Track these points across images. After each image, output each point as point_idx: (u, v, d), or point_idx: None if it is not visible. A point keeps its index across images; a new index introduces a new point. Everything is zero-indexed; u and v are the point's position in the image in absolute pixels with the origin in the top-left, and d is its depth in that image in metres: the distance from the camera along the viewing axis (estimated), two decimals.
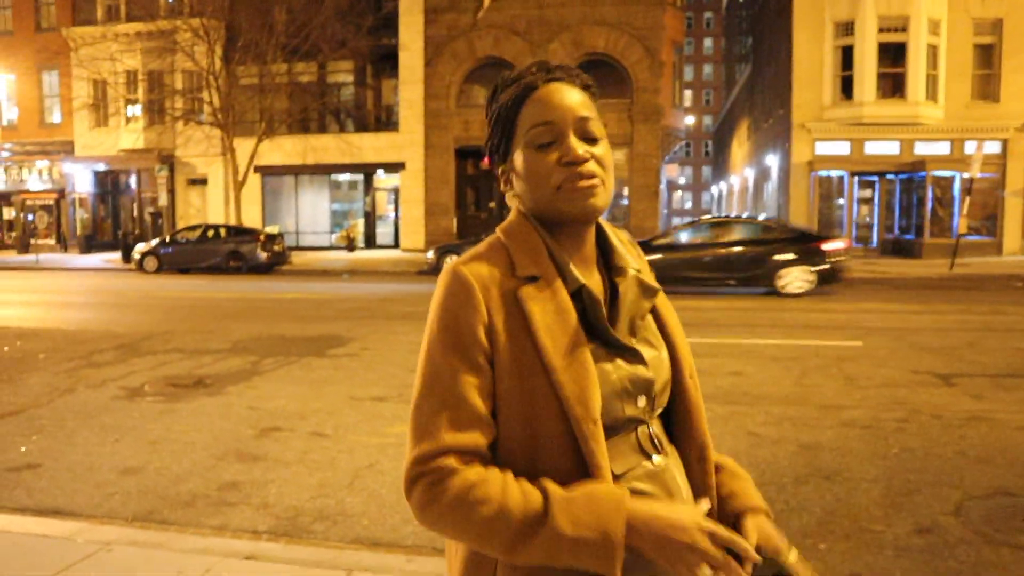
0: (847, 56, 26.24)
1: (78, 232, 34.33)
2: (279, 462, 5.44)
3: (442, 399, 1.24)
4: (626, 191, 28.43)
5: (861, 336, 10.41)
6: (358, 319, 12.67)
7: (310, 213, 32.81)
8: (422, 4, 29.69)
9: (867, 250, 27.45)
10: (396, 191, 31.57)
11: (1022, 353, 9.17)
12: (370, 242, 32.17)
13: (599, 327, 1.30)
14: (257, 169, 30.18)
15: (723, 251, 16.30)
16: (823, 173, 26.97)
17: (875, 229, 27.91)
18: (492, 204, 30.47)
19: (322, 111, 31.66)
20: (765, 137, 34.31)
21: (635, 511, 1.18)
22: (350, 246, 30.72)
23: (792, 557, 1.26)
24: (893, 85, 25.74)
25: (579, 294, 1.31)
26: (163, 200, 31.06)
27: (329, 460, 5.47)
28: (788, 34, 27.74)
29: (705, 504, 1.25)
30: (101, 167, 33.65)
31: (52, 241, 34.87)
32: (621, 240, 1.44)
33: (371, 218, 32.39)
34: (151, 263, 24.03)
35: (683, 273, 15.95)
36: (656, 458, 1.32)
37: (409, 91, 30.18)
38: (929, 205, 25.46)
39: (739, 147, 45.95)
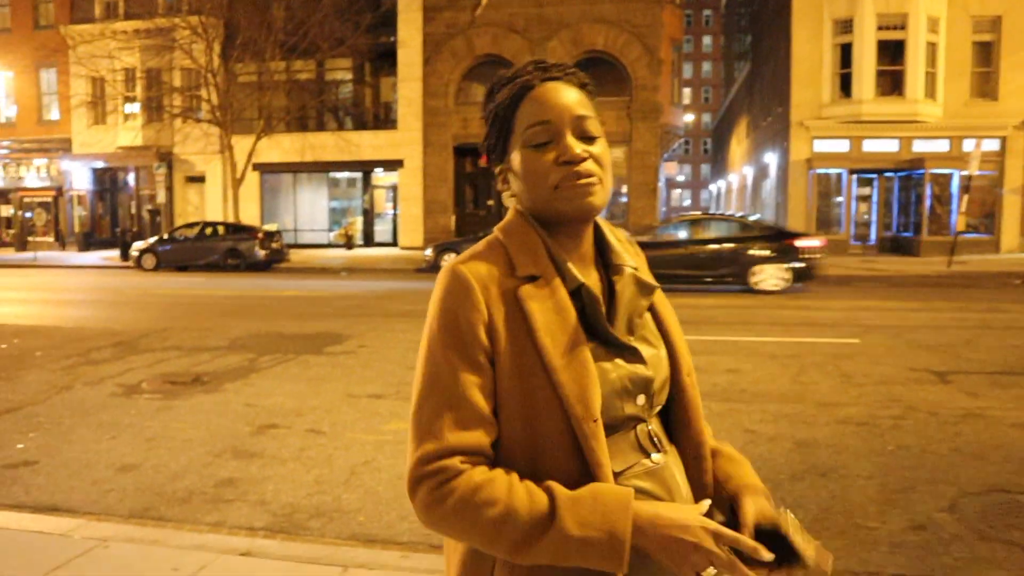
0: (846, 54, 26.22)
1: (76, 230, 34.30)
2: (276, 459, 5.45)
3: (444, 398, 1.24)
4: (625, 189, 28.42)
5: (859, 334, 10.42)
6: (356, 317, 12.68)
7: (308, 211, 32.79)
8: (421, 2, 29.65)
9: (865, 248, 27.46)
10: (394, 189, 31.55)
11: (1018, 351, 9.19)
12: (368, 240, 32.15)
13: (598, 326, 1.30)
14: (255, 167, 30.16)
15: (697, 249, 16.28)
16: (822, 171, 26.95)
17: (873, 227, 27.90)
18: (491, 202, 30.47)
19: (320, 109, 31.64)
20: (764, 135, 34.31)
21: (640, 511, 1.18)
22: (348, 244, 30.71)
23: (792, 529, 1.23)
24: (892, 83, 25.73)
25: (578, 293, 1.31)
26: (161, 198, 31.07)
27: (326, 457, 5.48)
28: (787, 32, 27.73)
29: (705, 504, 1.25)
30: (99, 164, 33.62)
31: (50, 239, 34.84)
32: (618, 238, 1.44)
33: (369, 216, 32.37)
34: (149, 261, 24.02)
35: (658, 270, 15.95)
36: (655, 456, 1.32)
37: (407, 89, 30.16)
38: (927, 203, 25.45)
39: (738, 145, 45.95)
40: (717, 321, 11.68)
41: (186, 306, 14.57)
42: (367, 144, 30.79)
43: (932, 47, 25.59)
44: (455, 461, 1.20)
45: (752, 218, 19.72)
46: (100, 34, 30.97)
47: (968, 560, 3.82)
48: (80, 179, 34.31)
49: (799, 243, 16.14)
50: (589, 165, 1.29)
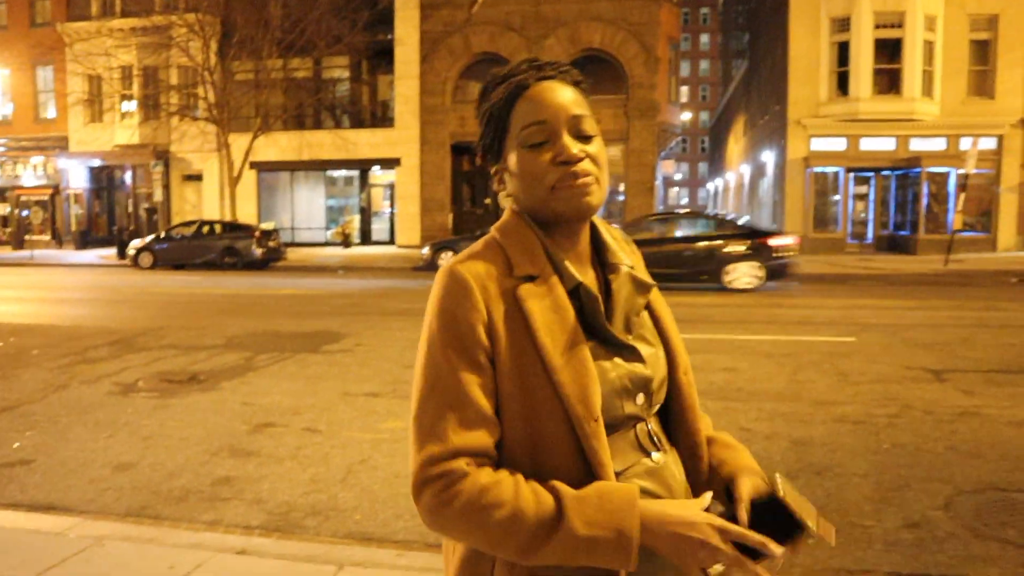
0: (843, 52, 26.24)
1: (73, 228, 34.28)
2: (272, 458, 5.46)
3: (446, 399, 1.23)
4: (622, 187, 28.43)
5: (855, 332, 10.43)
6: (353, 315, 12.68)
7: (305, 209, 32.77)
8: (418, 0, 29.64)
9: (862, 246, 27.50)
10: (392, 187, 31.54)
11: (1014, 349, 9.20)
12: (365, 238, 32.14)
13: (597, 325, 1.30)
14: (252, 165, 30.14)
15: (670, 247, 16.27)
16: (819, 169, 26.98)
17: (870, 225, 27.95)
18: (488, 200, 30.48)
19: (317, 107, 31.62)
20: (761, 133, 34.33)
21: (647, 509, 1.18)
22: (345, 242, 30.70)
23: (790, 499, 1.20)
24: (889, 81, 25.76)
25: (576, 292, 1.30)
26: (158, 196, 31.04)
27: (322, 456, 5.48)
28: (784, 30, 27.74)
29: (707, 497, 1.25)
30: (96, 163, 33.57)
31: (47, 237, 34.80)
32: (614, 237, 1.43)
33: (366, 214, 32.36)
34: (146, 259, 24.01)
35: None
36: (655, 455, 1.32)
37: (405, 87, 30.14)
38: (924, 201, 25.49)
39: (735, 143, 45.98)
40: (713, 320, 11.69)
41: (183, 304, 14.56)
42: (364, 142, 30.78)
43: (929, 45, 25.62)
44: (460, 463, 1.20)
45: (730, 217, 19.74)
46: (97, 32, 30.92)
47: (962, 558, 3.83)
48: (77, 177, 34.27)
49: (772, 241, 16.17)
50: (586, 165, 1.29)
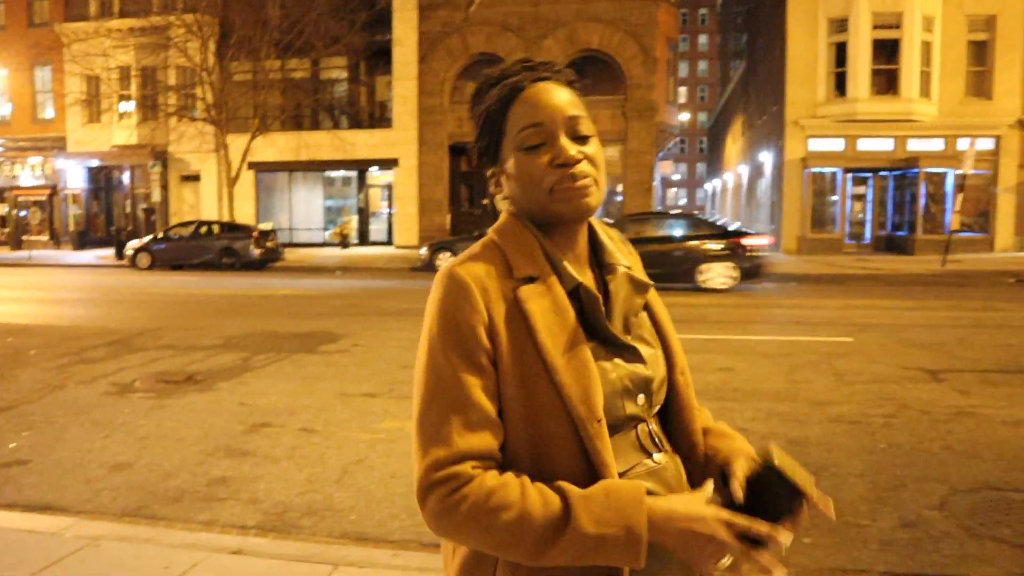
0: (841, 53, 26.26)
1: (71, 228, 34.26)
2: (268, 458, 5.46)
3: (449, 402, 1.21)
4: (620, 188, 28.44)
5: (852, 332, 10.44)
6: (350, 315, 12.68)
7: (304, 210, 32.76)
8: (416, 0, 29.64)
9: (860, 246, 27.53)
10: (390, 187, 31.54)
11: (1011, 349, 9.22)
12: (364, 239, 32.15)
13: (598, 325, 1.29)
14: (250, 165, 30.12)
15: (645, 247, 16.26)
16: (817, 170, 26.99)
17: (868, 225, 27.97)
18: (486, 201, 30.47)
19: (316, 107, 31.63)
20: (759, 133, 34.35)
21: (654, 506, 1.18)
22: (343, 243, 30.70)
23: (785, 466, 1.18)
24: (887, 82, 25.78)
25: (576, 293, 1.30)
26: (156, 196, 31.03)
27: (318, 456, 5.48)
28: (782, 30, 27.75)
29: (709, 486, 1.24)
30: (94, 163, 33.57)
31: (45, 237, 34.78)
32: (611, 237, 1.43)
33: (365, 215, 32.36)
34: (144, 259, 24.00)
35: None
36: (657, 456, 1.32)
37: (403, 87, 30.15)
38: (922, 202, 25.51)
39: (733, 143, 46.00)
40: (710, 320, 11.70)
41: (180, 305, 14.56)
42: (362, 143, 30.77)
43: (927, 46, 25.65)
44: (466, 467, 1.18)
45: (704, 217, 19.77)
46: (95, 32, 30.89)
47: (957, 557, 3.83)
48: (75, 178, 34.25)
49: (746, 241, 16.25)
50: (584, 166, 1.29)
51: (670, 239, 16.35)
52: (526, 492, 1.17)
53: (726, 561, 1.16)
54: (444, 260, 20.18)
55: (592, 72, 28.35)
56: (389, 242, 31.60)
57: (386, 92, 31.40)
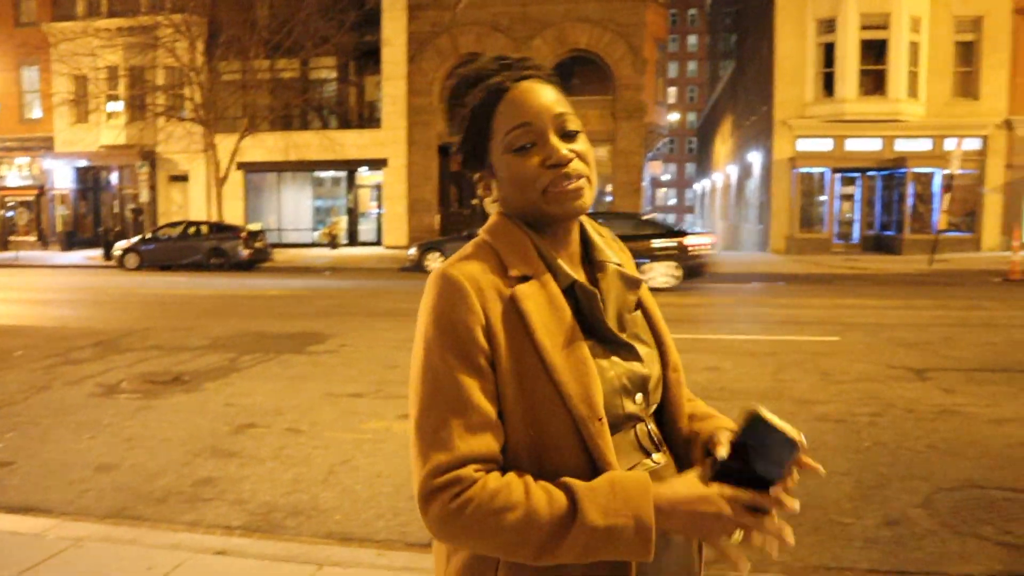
0: (829, 53, 26.37)
1: (58, 229, 34.08)
2: (254, 458, 5.44)
3: (449, 406, 1.19)
4: (609, 188, 28.47)
5: (839, 331, 10.48)
6: (338, 316, 12.66)
7: (292, 210, 32.69)
8: (405, 0, 29.61)
9: (848, 246, 27.64)
10: (379, 188, 31.50)
11: (996, 348, 9.27)
12: (353, 239, 32.08)
13: (595, 322, 1.28)
14: (239, 166, 30.03)
15: None
16: (805, 170, 27.10)
17: (856, 225, 28.09)
18: (475, 201, 30.44)
19: (304, 108, 31.54)
20: (748, 134, 34.44)
21: (658, 493, 1.16)
22: (333, 243, 30.64)
23: (770, 416, 1.16)
24: (875, 82, 25.89)
25: (571, 290, 1.28)
26: (144, 197, 30.90)
27: (304, 456, 5.47)
28: (770, 31, 27.85)
29: (706, 464, 1.22)
30: (82, 163, 33.40)
31: (32, 238, 34.59)
32: (601, 235, 1.42)
33: (354, 215, 32.31)
34: (132, 260, 23.90)
35: None
36: (656, 456, 1.31)
37: (392, 87, 30.11)
38: (910, 201, 25.64)
39: (722, 144, 46.11)
40: (698, 319, 11.73)
41: (168, 305, 14.51)
42: (351, 143, 30.72)
43: (914, 47, 25.77)
44: (468, 470, 1.16)
45: (653, 218, 19.89)
46: (82, 32, 30.70)
47: (940, 555, 3.85)
48: (62, 178, 34.08)
49: (689, 241, 16.55)
50: (577, 165, 1.27)
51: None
52: (530, 491, 1.15)
53: (738, 535, 1.15)
54: (433, 260, 20.19)
55: (581, 72, 28.41)
56: (378, 242, 31.55)
57: (375, 92, 31.35)
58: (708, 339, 9.94)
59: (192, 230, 24.44)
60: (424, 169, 30.10)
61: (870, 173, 27.21)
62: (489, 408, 1.20)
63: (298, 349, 9.57)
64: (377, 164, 30.75)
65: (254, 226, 28.21)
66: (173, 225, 25.36)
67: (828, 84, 26.45)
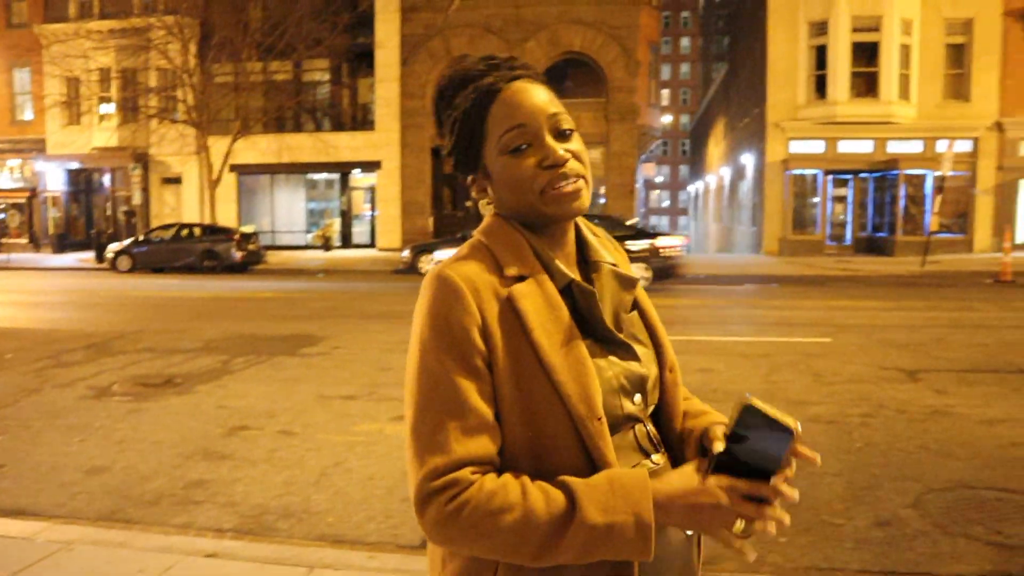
0: (821, 55, 26.46)
1: (50, 231, 33.95)
2: (246, 461, 5.43)
3: (445, 408, 1.17)
4: (602, 190, 28.51)
5: (831, 333, 10.50)
6: (331, 318, 12.64)
7: (286, 212, 32.65)
8: (398, 2, 29.62)
9: (841, 248, 27.71)
10: (372, 190, 31.49)
11: (987, 349, 9.30)
12: (346, 241, 32.06)
13: (593, 322, 1.27)
14: (232, 168, 29.98)
15: None
16: (797, 172, 27.18)
17: (849, 227, 28.16)
18: (469, 203, 30.41)
19: (298, 110, 31.50)
20: (740, 136, 34.53)
21: (656, 490, 1.16)
22: (326, 245, 30.60)
23: (764, 406, 1.16)
24: (866, 84, 25.98)
25: (568, 290, 1.28)
26: (137, 199, 30.79)
27: (296, 458, 5.46)
28: (763, 34, 27.93)
29: (704, 462, 1.20)
30: (74, 165, 33.29)
31: (24, 240, 34.44)
32: (596, 234, 1.41)
33: (347, 217, 32.28)
34: (124, 262, 23.83)
35: None
36: (655, 456, 1.30)
37: (385, 90, 30.10)
38: (902, 203, 25.72)
39: (715, 146, 46.21)
40: (690, 320, 11.75)
41: (161, 308, 14.47)
42: (344, 145, 30.70)
43: (906, 49, 25.87)
44: (465, 472, 1.15)
45: (624, 219, 19.99)
46: (74, 33, 30.61)
47: (931, 555, 3.86)
48: (54, 180, 33.97)
49: (659, 242, 16.78)
50: (573, 165, 1.27)
51: None
52: (527, 491, 1.14)
53: (740, 525, 1.14)
54: (427, 263, 20.18)
55: (574, 75, 28.45)
56: (372, 244, 31.53)
57: (368, 94, 31.35)
58: (701, 340, 9.96)
59: (185, 232, 24.39)
60: (417, 171, 30.10)
61: (862, 175, 27.29)
62: (486, 410, 1.19)
63: (291, 351, 9.55)
64: (370, 166, 30.74)
65: (247, 228, 28.18)
66: (166, 227, 25.31)
67: (820, 86, 26.53)
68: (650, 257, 16.36)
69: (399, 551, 3.87)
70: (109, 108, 31.17)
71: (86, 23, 30.72)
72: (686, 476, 1.18)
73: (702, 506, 1.14)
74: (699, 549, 1.35)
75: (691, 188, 69.69)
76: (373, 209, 31.60)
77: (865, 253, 27.02)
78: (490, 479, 1.15)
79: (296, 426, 6.27)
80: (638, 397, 1.29)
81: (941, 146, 24.32)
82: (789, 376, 7.90)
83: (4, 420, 6.57)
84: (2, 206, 34.76)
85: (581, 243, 1.37)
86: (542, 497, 1.14)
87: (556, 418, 1.19)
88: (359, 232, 32.27)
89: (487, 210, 1.36)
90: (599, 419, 1.20)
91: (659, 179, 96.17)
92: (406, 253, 21.71)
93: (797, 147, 26.97)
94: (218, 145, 28.01)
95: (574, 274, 1.31)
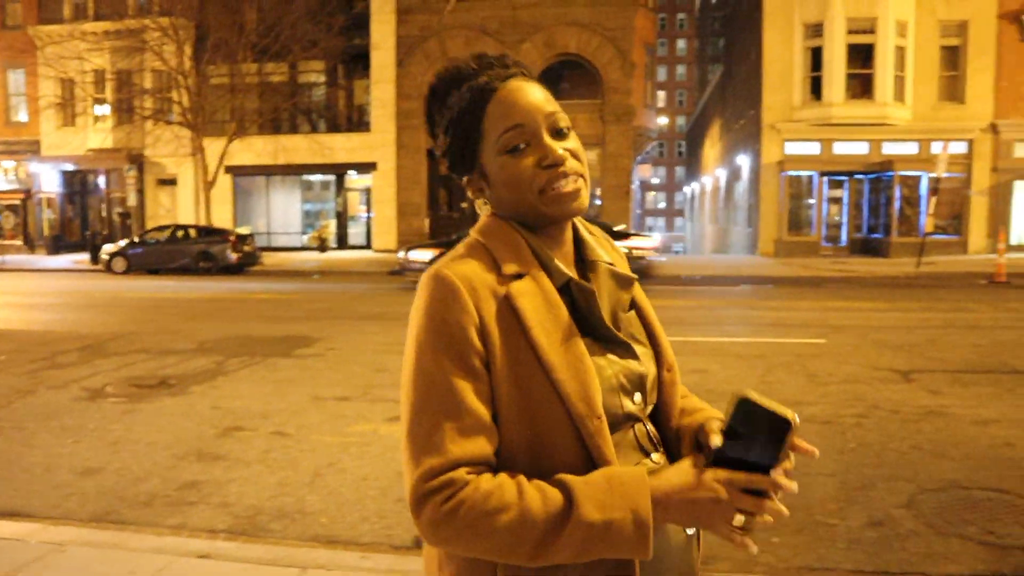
0: (816, 57, 26.49)
1: (45, 233, 33.88)
2: (240, 461, 5.42)
3: (441, 409, 1.16)
4: (598, 191, 28.51)
5: (826, 334, 10.52)
6: (326, 319, 12.63)
7: (282, 214, 32.62)
8: (394, 4, 29.60)
9: (836, 249, 27.74)
10: (368, 191, 31.46)
11: (981, 349, 9.32)
12: (342, 242, 32.04)
13: (593, 320, 1.26)
14: (228, 169, 29.94)
15: None
16: (793, 173, 27.20)
17: (844, 228, 28.19)
18: (464, 204, 30.47)
19: (293, 111, 31.47)
20: (736, 137, 34.56)
21: (654, 487, 1.15)
22: (322, 247, 30.58)
23: (761, 399, 1.14)
24: (862, 86, 26.02)
25: (567, 288, 1.27)
26: (132, 200, 30.75)
27: (290, 459, 5.46)
28: (758, 35, 27.96)
29: (699, 457, 1.20)
30: (69, 167, 33.20)
31: (19, 242, 34.32)
32: (593, 233, 1.40)
33: (343, 219, 32.26)
34: (120, 264, 23.78)
35: None
36: (655, 456, 1.29)
37: (381, 91, 30.09)
38: (897, 204, 25.75)
39: (711, 147, 46.25)
40: (686, 321, 11.75)
41: (155, 309, 14.44)
42: (340, 147, 30.67)
43: (901, 51, 25.92)
44: (461, 472, 1.14)
45: (598, 221, 20.09)
46: (69, 35, 30.57)
47: (923, 555, 3.87)
48: (49, 181, 33.88)
49: (632, 244, 16.86)
50: (572, 163, 1.26)
51: None
52: (523, 490, 1.14)
53: (740, 519, 1.13)
54: (405, 262, 20.16)
55: (570, 76, 28.47)
56: (367, 246, 31.51)
57: (364, 96, 31.33)
58: (696, 341, 9.96)
59: (180, 234, 24.36)
60: (413, 173, 30.09)
61: (857, 176, 27.33)
62: (483, 410, 1.18)
63: (285, 352, 9.54)
64: (366, 168, 30.71)
65: (243, 230, 28.11)
66: (161, 229, 25.28)
67: (816, 88, 26.56)
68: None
69: (393, 552, 3.86)
70: (104, 110, 31.09)
71: (81, 24, 30.67)
72: (683, 472, 1.17)
73: (700, 501, 1.14)
74: (699, 547, 1.34)
75: (687, 189, 69.71)
76: (369, 210, 31.58)
77: (860, 254, 27.05)
78: (486, 479, 1.15)
79: (290, 427, 6.26)
80: (638, 396, 1.29)
81: (936, 148, 24.34)
82: (784, 377, 7.91)
83: None
84: None
85: (578, 242, 1.37)
86: (538, 496, 1.13)
87: (555, 417, 1.19)
88: (355, 233, 32.25)
89: (484, 210, 1.35)
90: (599, 418, 1.19)
91: (655, 180, 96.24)
92: (402, 254, 21.66)
93: (792, 148, 27.00)
94: (213, 146, 27.95)
95: (572, 273, 1.30)
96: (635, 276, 1.37)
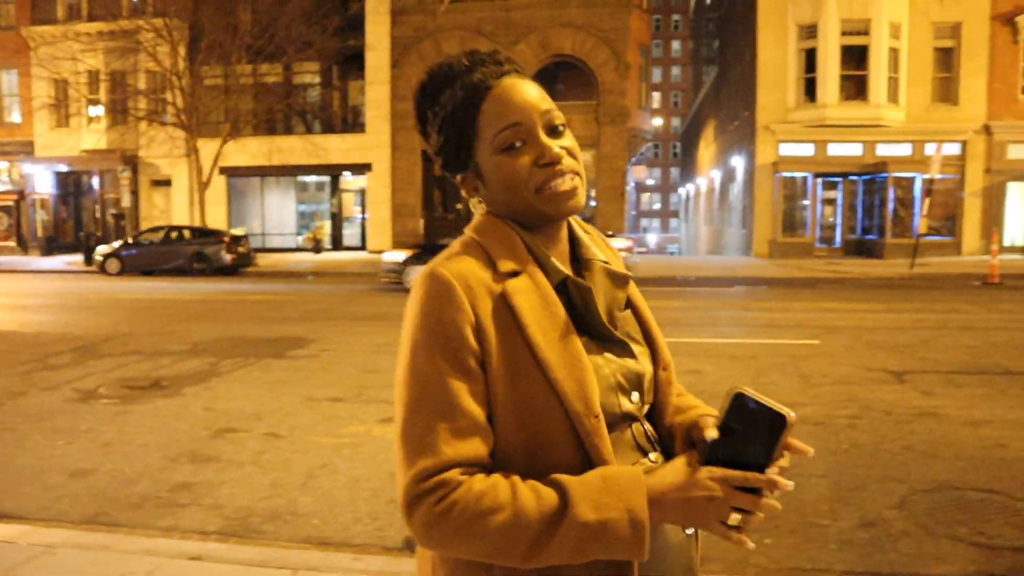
0: (810, 59, 26.55)
1: (39, 234, 33.78)
2: (233, 463, 5.41)
3: (435, 409, 1.15)
4: (593, 193, 28.52)
5: (819, 335, 10.53)
6: (320, 320, 12.61)
7: (276, 214, 32.58)
8: (388, 5, 29.60)
9: (831, 250, 27.81)
10: (363, 192, 31.44)
11: (974, 350, 9.34)
12: (337, 244, 32.01)
13: (589, 318, 1.25)
14: (222, 170, 29.88)
15: None
16: (787, 174, 27.26)
17: (838, 229, 28.26)
18: (459, 206, 30.44)
19: (288, 112, 31.43)
20: (731, 139, 34.61)
21: (650, 487, 1.14)
22: (316, 247, 30.55)
23: (757, 395, 1.13)
24: (856, 87, 26.10)
25: (563, 287, 1.26)
26: (126, 201, 30.67)
27: (283, 461, 5.45)
28: (753, 37, 28.02)
29: (694, 455, 1.18)
30: (62, 168, 33.11)
31: (12, 243, 34.25)
32: (588, 232, 1.39)
33: (338, 220, 32.23)
34: (113, 265, 23.72)
35: None
36: (652, 455, 1.28)
37: (376, 92, 30.07)
38: (891, 206, 25.82)
39: (706, 149, 46.31)
40: (680, 322, 11.76)
41: (149, 310, 14.41)
42: (335, 148, 30.64)
43: (894, 52, 25.99)
44: (454, 473, 1.13)
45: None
46: (63, 36, 30.49)
47: (915, 556, 3.88)
48: (43, 183, 33.79)
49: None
50: (568, 162, 1.26)
51: None
52: (517, 491, 1.12)
53: (736, 517, 1.12)
54: (381, 263, 20.18)
55: (565, 77, 28.49)
56: (362, 247, 31.48)
57: (359, 97, 31.31)
58: (690, 342, 9.97)
59: (174, 235, 24.31)
60: (408, 174, 30.08)
61: (851, 177, 27.40)
62: (478, 411, 1.17)
63: (279, 354, 9.52)
64: (361, 169, 30.69)
65: (237, 231, 28.08)
66: (155, 230, 25.22)
67: (810, 89, 26.63)
68: None
69: (385, 553, 3.86)
70: (98, 110, 31.04)
71: (74, 25, 30.59)
72: (677, 470, 1.16)
73: (695, 499, 1.12)
74: (697, 548, 1.33)
75: (682, 191, 69.77)
76: (363, 211, 31.55)
77: (854, 255, 27.11)
78: (479, 479, 1.13)
79: (283, 428, 6.25)
80: (635, 395, 1.28)
81: (929, 149, 24.40)
82: (777, 378, 7.92)
83: None
84: None
85: (573, 241, 1.36)
86: (533, 496, 1.12)
87: (552, 416, 1.17)
88: (349, 234, 32.22)
89: (478, 209, 1.34)
90: (596, 416, 1.18)
91: (650, 182, 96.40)
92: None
93: (787, 150, 27.06)
94: (208, 147, 27.91)
95: (568, 271, 1.29)
96: (630, 274, 1.37)
